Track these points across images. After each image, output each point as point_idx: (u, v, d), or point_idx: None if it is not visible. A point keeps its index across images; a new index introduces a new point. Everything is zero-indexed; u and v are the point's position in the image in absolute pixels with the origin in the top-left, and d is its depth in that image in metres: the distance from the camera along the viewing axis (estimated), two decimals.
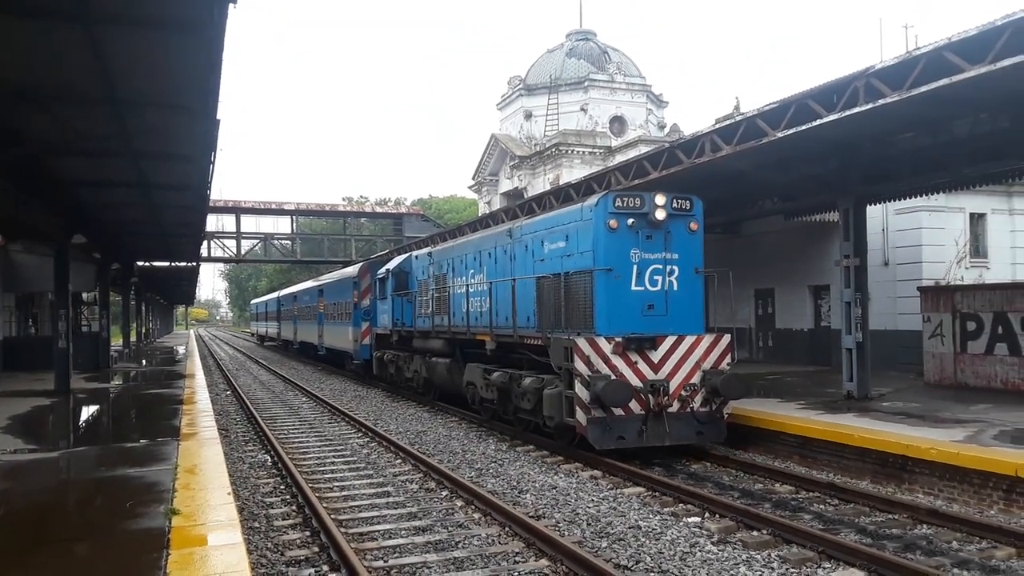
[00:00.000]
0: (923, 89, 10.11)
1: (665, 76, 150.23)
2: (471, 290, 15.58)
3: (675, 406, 11.11)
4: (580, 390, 10.67)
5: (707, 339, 11.49)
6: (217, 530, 6.24)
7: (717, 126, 15.43)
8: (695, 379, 11.30)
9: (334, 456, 12.46)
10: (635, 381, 10.89)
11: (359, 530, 8.10)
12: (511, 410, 13.51)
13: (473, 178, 62.17)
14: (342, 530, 7.91)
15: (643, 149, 34.59)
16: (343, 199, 79.69)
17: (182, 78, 9.14)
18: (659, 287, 11.43)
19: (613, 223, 11.15)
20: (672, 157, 16.08)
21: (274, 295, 53.84)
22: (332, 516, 8.43)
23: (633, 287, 11.27)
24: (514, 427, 13.72)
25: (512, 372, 13.21)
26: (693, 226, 11.73)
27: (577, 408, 10.66)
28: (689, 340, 11.37)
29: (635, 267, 11.28)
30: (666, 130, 51.23)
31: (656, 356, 11.15)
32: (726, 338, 11.63)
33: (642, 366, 11.06)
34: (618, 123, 53.03)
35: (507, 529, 8.05)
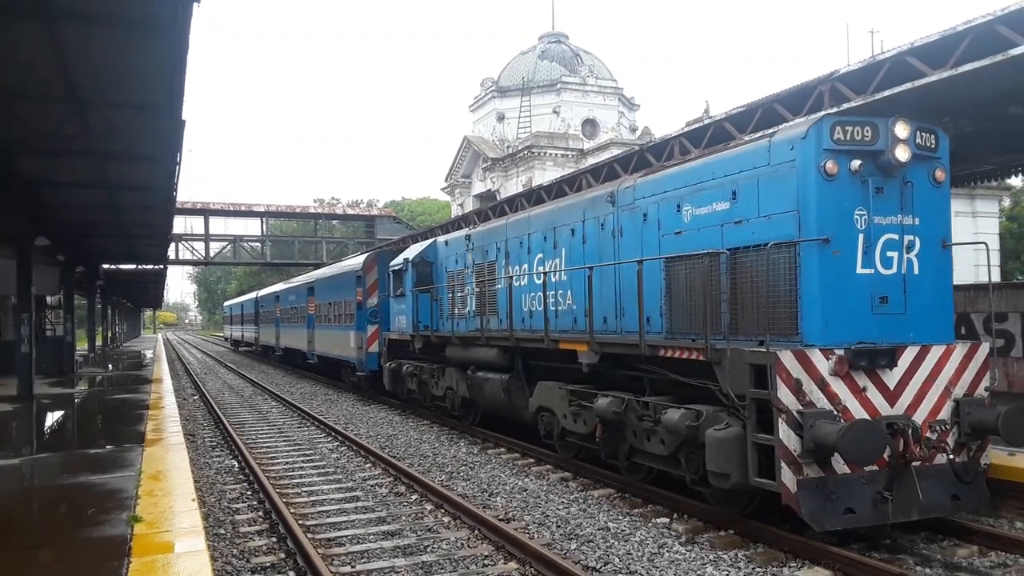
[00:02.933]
0: (886, 93, 10.26)
1: (637, 79, 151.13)
2: (548, 281, 11.28)
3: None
4: (786, 434, 6.80)
5: (959, 350, 7.69)
6: (180, 537, 6.15)
7: (686, 129, 15.60)
8: (943, 413, 7.52)
9: (303, 461, 12.34)
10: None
11: (327, 535, 8.03)
12: (623, 452, 9.58)
13: (446, 180, 62.13)
14: (309, 535, 7.83)
15: (615, 151, 34.84)
16: (314, 201, 79.24)
17: (146, 77, 9.02)
18: (894, 268, 7.54)
19: (831, 166, 7.23)
20: (642, 160, 16.22)
21: (252, 295, 49.92)
22: (299, 522, 8.34)
23: (859, 269, 7.38)
24: (623, 476, 9.79)
25: (628, 398, 9.09)
26: (939, 175, 7.82)
27: (781, 463, 6.78)
28: (936, 352, 7.53)
29: (861, 237, 7.38)
30: (637, 133, 51.60)
31: (892, 378, 7.30)
32: (984, 348, 7.87)
33: (872, 394, 7.23)
34: (590, 125, 53.32)
35: (477, 532, 8.02)
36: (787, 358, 6.92)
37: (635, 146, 21.35)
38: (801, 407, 6.89)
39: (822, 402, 7.01)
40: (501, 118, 55.09)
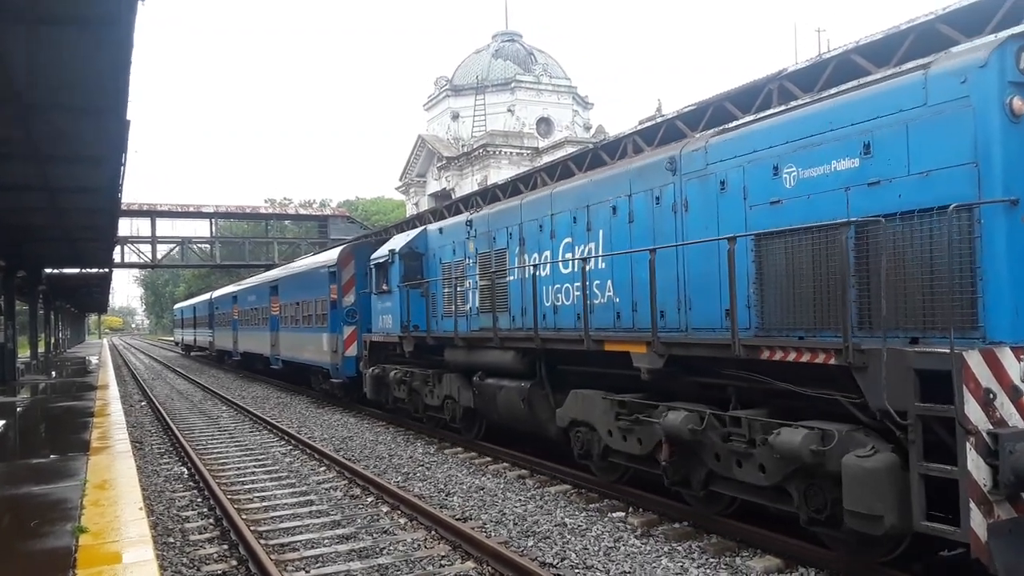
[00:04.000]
0: (832, 91, 10.49)
1: (590, 78, 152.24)
2: (589, 268, 9.26)
3: None
4: (975, 464, 5.21)
5: None
6: (128, 547, 5.99)
7: (640, 127, 15.78)
8: None
9: (255, 466, 12.13)
10: None
11: (280, 541, 7.90)
12: (698, 480, 7.62)
13: (400, 179, 61.81)
14: (262, 542, 7.70)
15: (570, 150, 35.03)
16: (265, 201, 77.98)
17: (90, 78, 8.79)
18: None
19: (1018, 104, 5.61)
20: (596, 158, 16.34)
21: (205, 296, 46.23)
22: (252, 528, 8.19)
23: None
24: (695, 508, 7.97)
25: (708, 413, 7.25)
26: None
27: (971, 504, 5.18)
28: None
29: None
30: (592, 131, 51.99)
31: None
32: None
33: None
34: (545, 124, 53.55)
35: (433, 533, 7.98)
36: (975, 361, 5.25)
37: (590, 144, 21.49)
38: (991, 426, 5.28)
39: (1014, 418, 5.37)
40: (456, 116, 54.99)
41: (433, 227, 14.79)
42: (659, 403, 8.00)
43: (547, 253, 10.49)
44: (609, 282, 9.17)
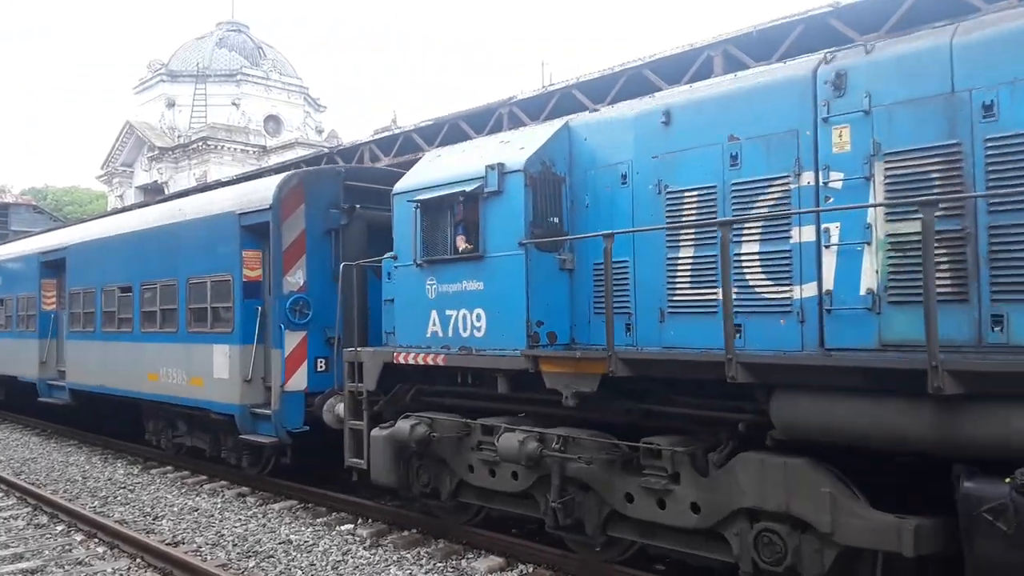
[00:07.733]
0: (556, 120, 11.43)
1: (322, 82, 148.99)
2: None
3: None
4: None
5: None
6: None
7: (376, 136, 15.86)
8: None
9: None
10: None
11: None
12: None
13: (103, 168, 55.53)
14: None
15: (301, 152, 34.02)
16: None
17: None
18: None
19: None
20: (331, 162, 16.10)
21: None
22: None
23: None
24: None
25: None
26: None
27: None
28: None
29: None
30: (324, 135, 51.03)
31: None
32: None
33: None
34: (273, 122, 51.49)
35: (139, 560, 7.25)
36: None
37: (323, 147, 21.14)
38: None
39: None
40: (171, 104, 50.79)
41: (610, 113, 7.14)
42: None
43: None
44: None
